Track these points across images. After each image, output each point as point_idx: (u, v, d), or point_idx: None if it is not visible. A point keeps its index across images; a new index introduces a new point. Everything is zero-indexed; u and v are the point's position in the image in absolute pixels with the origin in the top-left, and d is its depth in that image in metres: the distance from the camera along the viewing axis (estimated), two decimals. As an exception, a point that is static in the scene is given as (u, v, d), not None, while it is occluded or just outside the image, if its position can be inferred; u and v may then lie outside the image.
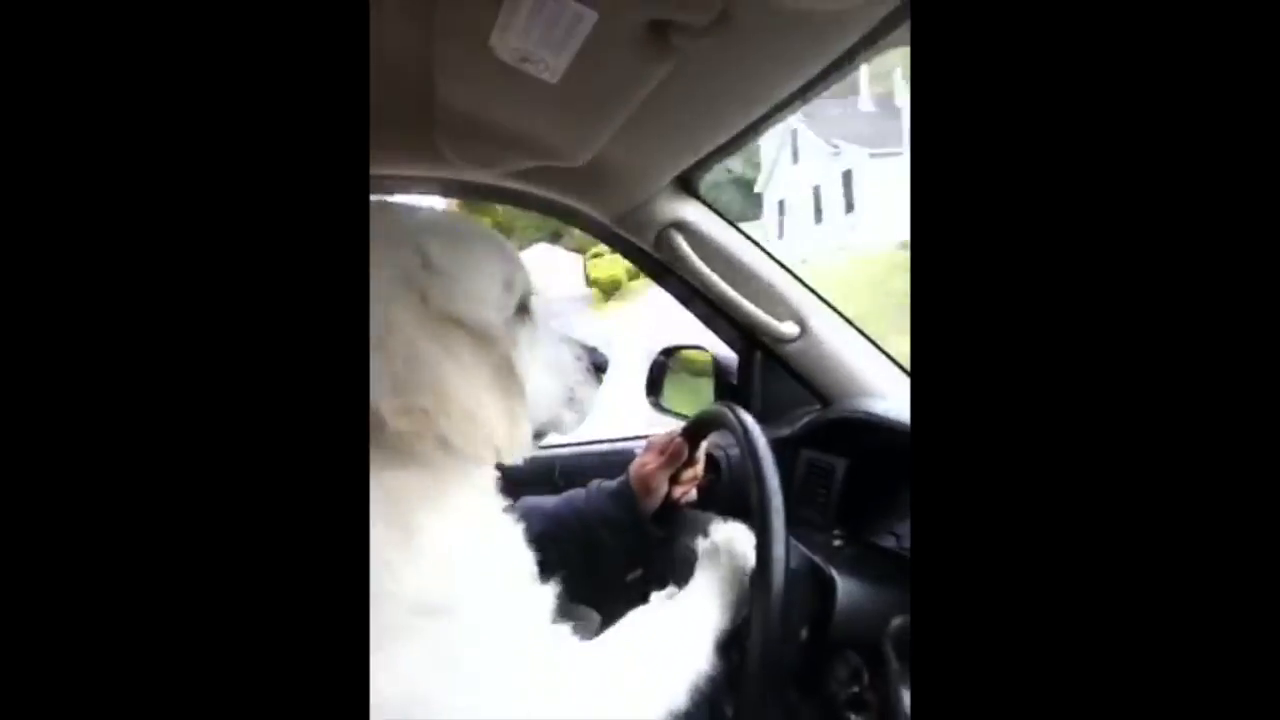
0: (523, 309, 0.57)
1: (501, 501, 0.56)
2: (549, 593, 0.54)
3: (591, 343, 0.67)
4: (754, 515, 0.62)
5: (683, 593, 0.66)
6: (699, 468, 0.90)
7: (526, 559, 0.55)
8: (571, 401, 0.64)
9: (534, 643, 0.51)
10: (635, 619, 0.64)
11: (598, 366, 0.66)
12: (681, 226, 0.94)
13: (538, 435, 0.62)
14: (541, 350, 0.60)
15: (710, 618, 0.63)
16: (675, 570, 0.76)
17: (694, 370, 1.24)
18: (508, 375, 0.49)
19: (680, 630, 0.62)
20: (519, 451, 0.50)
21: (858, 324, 1.03)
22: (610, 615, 0.66)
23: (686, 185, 0.92)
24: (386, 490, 0.43)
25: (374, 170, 0.88)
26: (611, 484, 0.88)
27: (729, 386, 1.14)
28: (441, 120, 0.69)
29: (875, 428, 0.91)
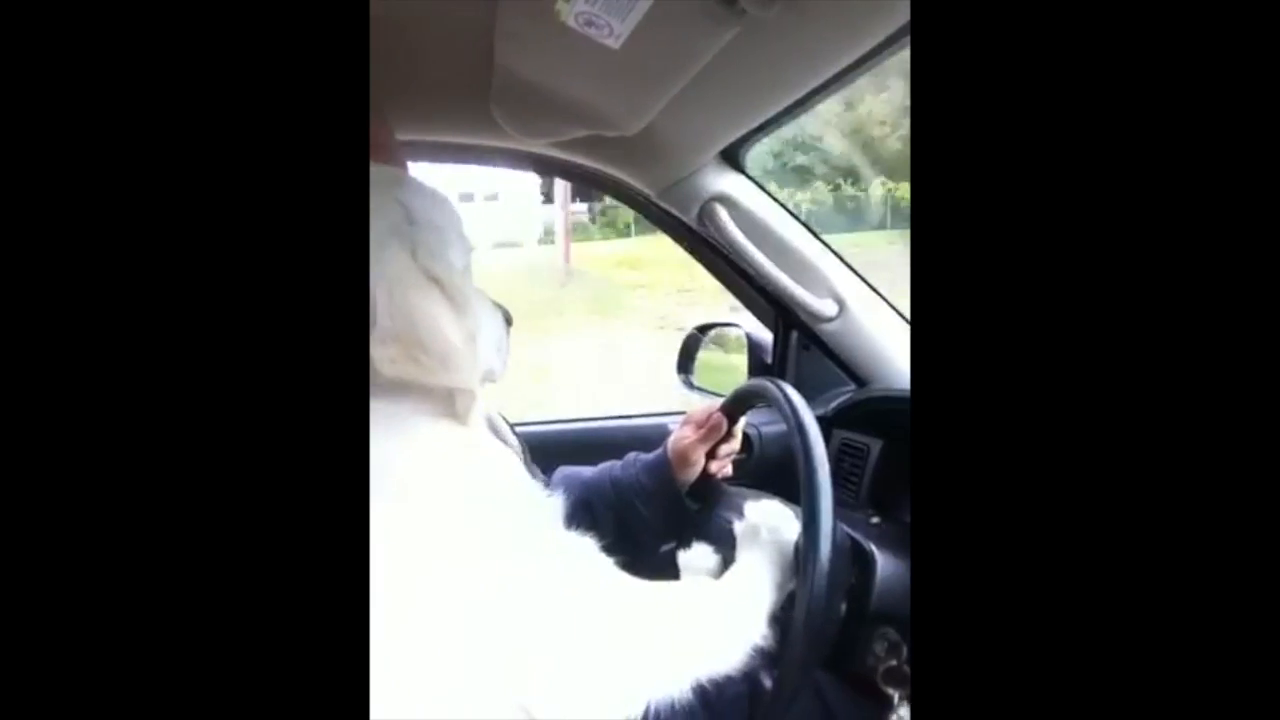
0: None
1: (489, 436, 0.58)
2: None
3: None
4: (801, 491, 0.62)
5: (733, 569, 0.66)
6: (736, 443, 0.90)
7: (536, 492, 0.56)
8: (499, 351, 0.66)
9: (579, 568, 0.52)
10: (691, 584, 0.64)
11: (507, 319, 0.69)
12: (725, 200, 0.93)
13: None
14: (478, 303, 0.62)
15: (763, 594, 0.63)
16: (709, 543, 0.77)
17: (727, 348, 1.24)
18: (471, 345, 0.51)
19: (734, 602, 0.62)
20: (477, 414, 0.52)
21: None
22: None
23: (732, 158, 0.91)
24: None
25: (426, 137, 0.89)
26: (649, 456, 0.88)
27: (763, 365, 1.14)
28: (498, 87, 0.69)
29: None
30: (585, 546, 0.55)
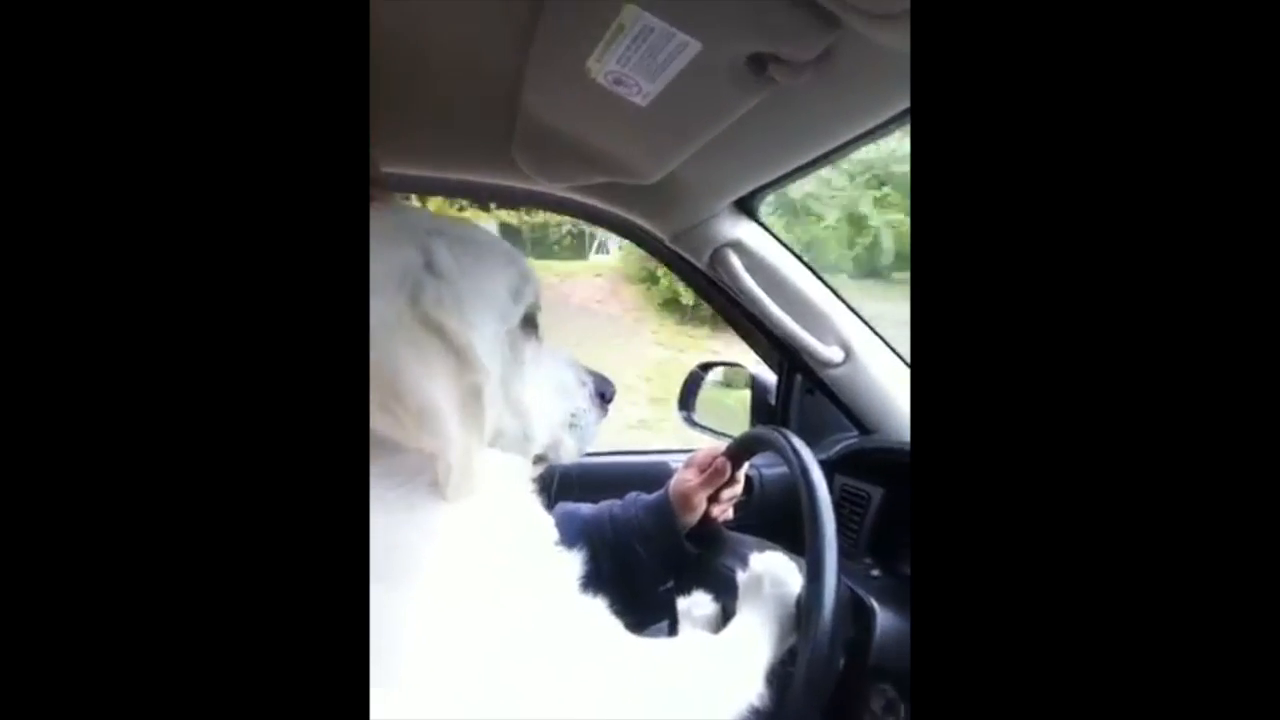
0: (529, 323, 0.56)
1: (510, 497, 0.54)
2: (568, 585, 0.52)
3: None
4: (807, 548, 0.62)
5: (732, 625, 0.66)
6: (739, 488, 0.90)
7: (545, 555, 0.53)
8: (573, 428, 0.61)
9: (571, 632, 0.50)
10: (686, 641, 0.63)
11: (603, 395, 0.64)
12: (737, 246, 0.95)
13: (538, 460, 0.60)
14: (544, 370, 0.58)
15: (761, 652, 0.63)
16: (707, 588, 0.77)
17: (730, 388, 1.25)
18: (474, 403, 0.46)
19: (733, 660, 0.62)
20: (466, 484, 0.45)
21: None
22: (637, 626, 0.66)
23: (746, 206, 0.92)
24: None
25: (445, 174, 0.90)
26: (649, 497, 0.88)
27: (767, 406, 1.15)
28: (522, 132, 0.70)
29: (915, 459, 0.91)
30: (583, 605, 0.53)
